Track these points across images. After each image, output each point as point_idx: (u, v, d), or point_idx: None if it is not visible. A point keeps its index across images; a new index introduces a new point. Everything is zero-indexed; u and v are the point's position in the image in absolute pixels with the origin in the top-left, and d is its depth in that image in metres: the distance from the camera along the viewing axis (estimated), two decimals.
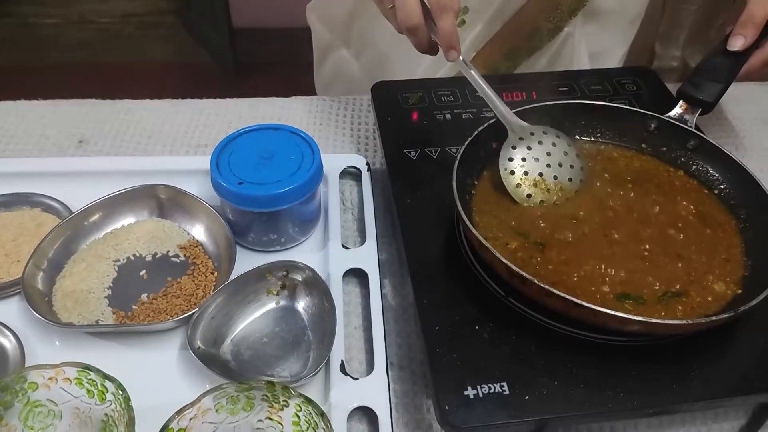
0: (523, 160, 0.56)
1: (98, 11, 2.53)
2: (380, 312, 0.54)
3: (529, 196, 0.55)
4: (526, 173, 0.56)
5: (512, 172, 0.56)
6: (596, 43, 0.83)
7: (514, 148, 0.56)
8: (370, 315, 0.54)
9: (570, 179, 0.56)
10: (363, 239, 0.62)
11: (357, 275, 0.59)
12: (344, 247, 0.60)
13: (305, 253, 0.60)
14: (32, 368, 0.45)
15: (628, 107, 0.62)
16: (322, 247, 0.61)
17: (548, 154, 0.56)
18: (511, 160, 0.56)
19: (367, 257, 0.58)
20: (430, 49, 0.59)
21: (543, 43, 0.79)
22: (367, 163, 0.68)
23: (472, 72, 0.58)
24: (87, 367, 0.45)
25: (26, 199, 0.62)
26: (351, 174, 0.69)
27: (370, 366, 0.51)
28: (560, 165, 0.56)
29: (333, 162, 0.67)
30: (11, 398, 0.45)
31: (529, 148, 0.56)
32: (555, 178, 0.56)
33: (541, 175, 0.56)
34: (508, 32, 0.78)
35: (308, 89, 1.00)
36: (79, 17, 2.52)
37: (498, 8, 0.76)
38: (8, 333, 0.51)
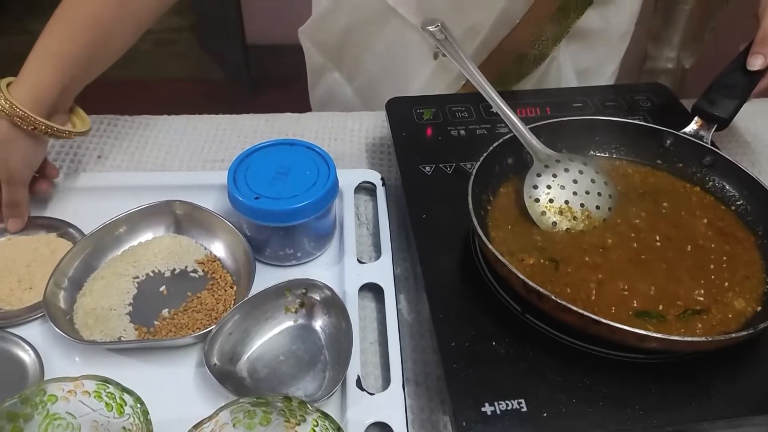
0: (548, 187, 0.56)
1: None
2: (396, 327, 0.54)
3: (554, 223, 0.55)
4: (551, 201, 0.56)
5: (537, 200, 0.56)
6: (583, 61, 0.83)
7: (539, 175, 0.56)
8: (385, 330, 0.54)
9: (597, 207, 0.55)
10: (378, 254, 0.62)
11: (372, 290, 0.59)
12: (360, 261, 0.60)
13: (321, 267, 0.61)
14: (52, 381, 0.45)
15: (643, 123, 0.63)
16: (338, 262, 0.61)
17: (575, 181, 0.56)
18: (535, 187, 0.56)
19: (383, 272, 0.59)
20: None
21: (530, 70, 0.80)
22: (382, 178, 0.68)
23: (493, 95, 0.58)
24: (106, 381, 0.45)
25: (42, 223, 0.63)
26: (366, 189, 0.69)
27: (386, 381, 0.51)
28: (587, 193, 0.56)
29: (348, 177, 0.67)
30: (31, 410, 0.45)
31: (554, 176, 0.56)
32: (582, 205, 0.55)
33: (567, 202, 0.55)
34: (495, 61, 0.79)
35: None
36: None
37: (484, 39, 0.76)
38: (28, 348, 0.51)
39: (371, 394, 0.50)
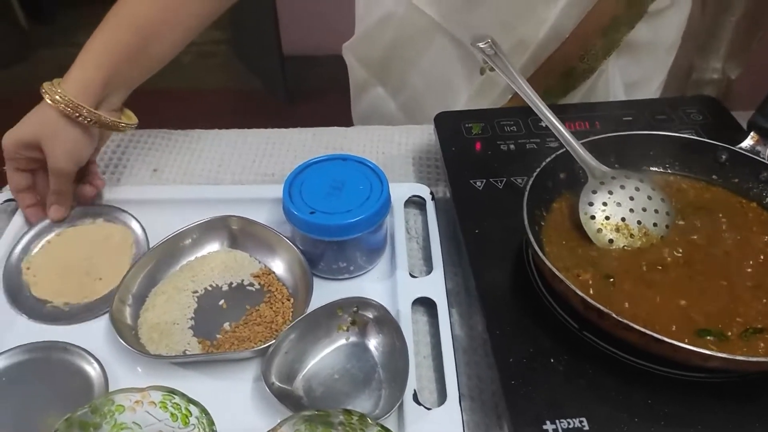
0: (604, 204, 0.56)
1: None
2: (450, 342, 0.54)
3: (611, 241, 0.54)
4: (607, 218, 0.55)
5: (593, 217, 0.55)
6: (631, 74, 0.82)
7: (594, 192, 0.56)
8: (438, 344, 0.55)
9: (655, 224, 0.55)
10: (428, 268, 0.62)
11: (423, 304, 0.59)
12: (411, 275, 0.60)
13: (373, 281, 0.61)
14: (120, 391, 0.47)
15: (699, 138, 0.62)
16: (389, 276, 0.62)
17: (631, 198, 0.56)
18: (591, 204, 0.56)
19: (435, 286, 0.59)
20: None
21: (578, 84, 0.80)
22: (431, 192, 0.69)
23: (544, 110, 0.59)
24: (172, 391, 0.47)
25: (86, 212, 0.66)
26: (414, 203, 0.70)
27: (441, 396, 0.52)
28: (644, 210, 0.55)
29: (397, 191, 0.68)
30: (100, 420, 0.46)
31: (610, 193, 0.56)
32: (639, 223, 0.55)
33: (623, 219, 0.55)
34: (542, 75, 0.78)
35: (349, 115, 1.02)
36: None
37: (531, 54, 0.76)
38: (93, 361, 0.53)
39: (428, 408, 0.50)
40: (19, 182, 0.64)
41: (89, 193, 0.67)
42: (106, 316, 0.57)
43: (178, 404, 0.47)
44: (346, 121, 0.96)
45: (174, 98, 2.31)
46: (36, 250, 0.63)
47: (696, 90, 0.87)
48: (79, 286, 0.60)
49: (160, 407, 0.47)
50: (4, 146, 0.62)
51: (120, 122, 0.65)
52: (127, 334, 0.54)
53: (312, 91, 2.39)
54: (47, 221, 0.65)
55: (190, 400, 0.46)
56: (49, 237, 0.64)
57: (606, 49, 0.76)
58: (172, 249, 0.61)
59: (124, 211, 0.65)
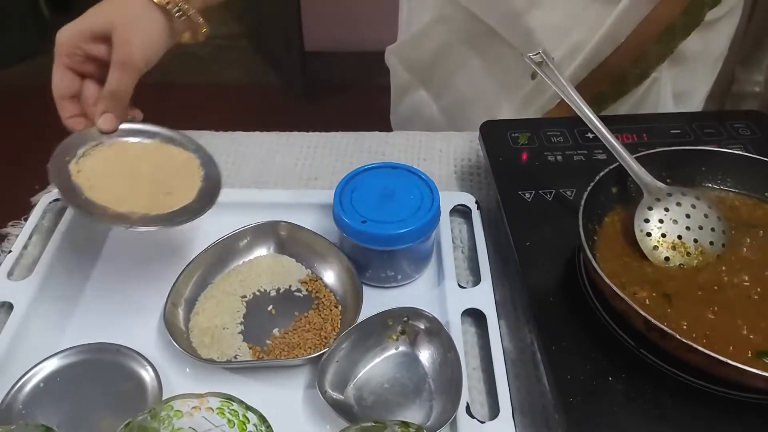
0: (660, 221, 0.55)
1: None
2: (501, 354, 0.54)
3: (667, 258, 0.54)
4: (663, 235, 0.55)
5: (648, 234, 0.55)
6: (681, 84, 0.82)
7: (650, 209, 0.56)
8: (487, 356, 0.55)
9: (711, 243, 0.55)
10: (475, 278, 0.62)
11: (471, 315, 0.59)
12: (460, 286, 0.60)
13: (420, 290, 0.61)
14: (178, 397, 0.47)
15: (750, 155, 0.61)
16: (437, 285, 0.62)
17: (687, 216, 0.55)
18: (647, 221, 0.55)
19: (484, 297, 0.59)
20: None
21: (629, 89, 0.79)
22: (477, 202, 0.69)
23: (597, 123, 0.58)
24: (230, 398, 0.47)
25: (135, 130, 0.60)
26: (459, 212, 0.69)
27: (493, 409, 0.52)
28: (700, 228, 0.55)
29: (443, 200, 0.67)
30: (158, 425, 0.47)
31: (666, 210, 0.56)
32: (695, 241, 0.54)
33: (680, 237, 0.55)
34: (594, 80, 0.78)
35: (379, 113, 1.02)
36: None
37: (585, 58, 0.76)
38: (146, 364, 0.53)
39: (481, 422, 0.50)
40: (68, 85, 0.57)
41: (138, 117, 0.62)
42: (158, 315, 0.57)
43: (235, 411, 0.47)
44: (364, 119, 0.95)
45: (188, 92, 2.32)
46: (84, 153, 0.57)
47: (736, 102, 0.87)
48: (147, 197, 0.55)
49: (218, 413, 0.47)
50: (61, 40, 0.55)
51: (202, 24, 0.61)
52: (180, 338, 0.54)
53: (333, 88, 2.39)
54: (92, 129, 0.59)
55: (249, 407, 0.46)
56: (97, 144, 0.58)
57: (660, 56, 0.75)
58: (222, 253, 0.61)
59: (183, 134, 0.60)
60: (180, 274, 0.58)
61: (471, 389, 0.54)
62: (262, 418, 0.46)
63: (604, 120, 0.58)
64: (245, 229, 0.62)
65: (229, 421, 0.47)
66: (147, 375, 0.53)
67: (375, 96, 1.14)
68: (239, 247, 0.62)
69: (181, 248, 0.60)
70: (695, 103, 0.84)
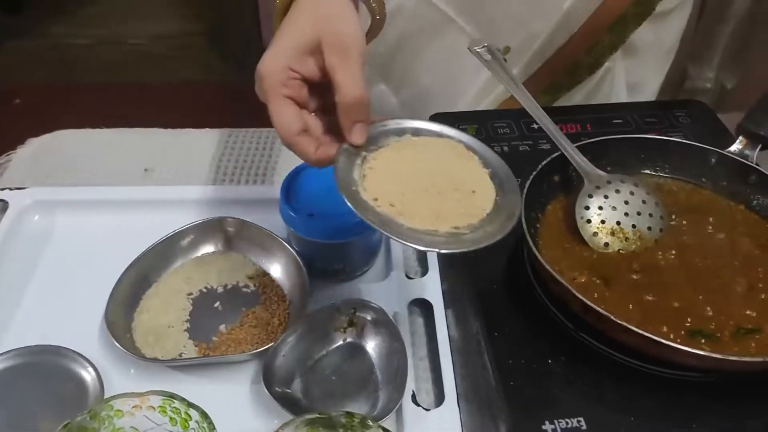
0: (600, 208, 0.56)
1: (129, 32, 2.58)
2: (447, 343, 0.55)
3: (606, 244, 0.55)
4: (602, 222, 0.56)
5: (588, 221, 0.56)
6: (634, 76, 0.84)
7: (590, 196, 0.57)
8: (434, 345, 0.55)
9: (649, 228, 0.56)
10: (423, 269, 0.63)
11: (419, 305, 0.60)
12: (408, 277, 0.61)
13: (369, 282, 0.62)
14: (119, 396, 0.46)
15: (688, 142, 0.63)
16: (385, 277, 0.62)
17: (626, 202, 0.57)
18: (587, 208, 0.56)
19: (431, 288, 0.59)
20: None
21: (582, 78, 0.81)
22: None
23: (540, 115, 0.59)
24: (171, 396, 0.46)
25: (379, 132, 0.50)
26: None
27: (439, 397, 0.52)
28: (639, 214, 0.56)
29: None
30: (98, 425, 0.46)
31: (605, 197, 0.57)
32: (633, 226, 0.56)
33: (618, 223, 0.56)
34: (548, 69, 0.79)
35: None
36: (111, 38, 2.57)
37: (540, 47, 0.77)
38: (87, 365, 0.52)
39: (426, 409, 0.51)
40: (296, 117, 0.47)
41: None
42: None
43: (177, 408, 0.46)
44: None
45: (143, 92, 2.28)
46: (359, 177, 0.47)
47: (689, 98, 0.89)
48: (458, 204, 0.46)
49: (159, 412, 0.47)
50: (270, 71, 0.46)
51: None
52: (122, 338, 0.54)
53: None
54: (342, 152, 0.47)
55: (190, 404, 0.46)
56: (361, 161, 0.48)
57: (612, 46, 0.77)
58: (167, 250, 0.60)
59: (427, 122, 0.51)
60: (123, 274, 0.57)
61: (418, 378, 0.55)
62: (204, 415, 0.46)
63: (552, 111, 0.59)
64: (190, 227, 0.61)
65: (171, 419, 0.47)
66: (88, 376, 0.52)
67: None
68: (185, 245, 0.61)
69: (124, 247, 0.59)
70: (648, 95, 0.86)
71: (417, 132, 0.51)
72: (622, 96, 0.84)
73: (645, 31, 0.78)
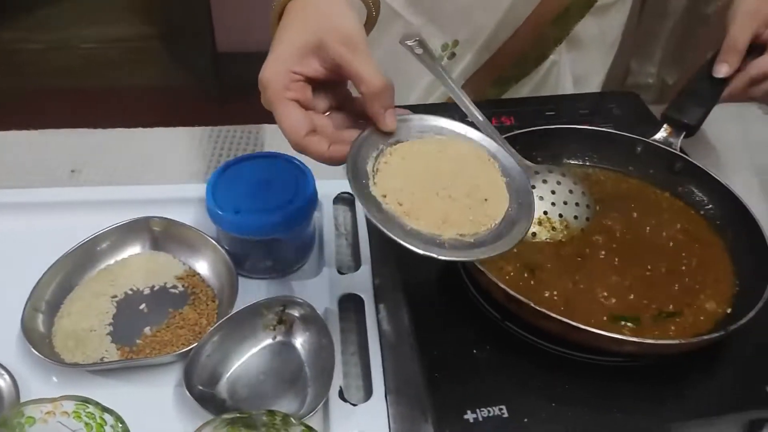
0: None
1: (81, 37, 2.53)
2: (377, 338, 0.54)
3: (534, 234, 0.55)
4: None
5: None
6: (579, 69, 0.85)
7: None
8: (366, 340, 0.55)
9: (576, 217, 0.56)
10: (356, 264, 0.62)
11: (353, 301, 0.59)
12: (340, 272, 0.60)
13: (301, 279, 0.61)
14: (30, 402, 0.45)
15: (614, 131, 0.64)
16: (318, 273, 0.61)
17: (553, 192, 0.57)
18: None
19: (363, 283, 0.59)
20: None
21: (529, 70, 0.82)
22: None
23: (470, 106, 0.59)
24: (86, 400, 0.45)
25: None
26: (344, 200, 0.69)
27: (368, 392, 0.52)
28: (565, 203, 0.57)
29: (327, 188, 0.67)
30: None
31: (533, 187, 0.57)
32: (560, 216, 0.56)
33: (545, 213, 0.56)
34: (496, 61, 0.80)
35: None
36: (61, 43, 2.51)
37: (487, 40, 0.78)
38: (3, 372, 0.50)
39: (354, 405, 0.50)
40: (303, 119, 0.46)
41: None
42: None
43: (92, 413, 0.45)
44: None
45: (96, 97, 2.23)
46: (372, 170, 0.46)
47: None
48: (468, 211, 0.44)
49: (74, 417, 0.45)
50: (271, 76, 0.45)
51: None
52: (41, 344, 0.52)
53: (246, 89, 2.35)
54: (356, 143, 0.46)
55: (105, 409, 0.45)
56: (376, 155, 0.47)
57: (557, 38, 0.78)
58: (88, 253, 0.58)
59: (448, 119, 0.50)
60: (41, 277, 0.55)
61: (348, 374, 0.54)
62: (119, 419, 0.44)
63: (488, 104, 0.59)
64: (113, 228, 0.59)
65: (87, 424, 0.45)
66: (3, 383, 0.50)
67: None
68: (108, 246, 0.59)
69: (43, 250, 0.57)
70: (593, 88, 0.87)
71: (440, 131, 0.50)
72: (568, 88, 0.85)
73: (588, 24, 0.80)
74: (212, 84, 2.29)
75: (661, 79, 1.08)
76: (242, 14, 2.35)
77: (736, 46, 0.63)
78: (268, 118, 0.81)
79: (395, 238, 0.41)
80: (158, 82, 2.42)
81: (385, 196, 0.45)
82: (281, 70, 0.46)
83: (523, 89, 0.83)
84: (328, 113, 0.49)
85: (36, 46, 2.52)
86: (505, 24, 0.77)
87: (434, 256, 0.41)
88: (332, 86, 0.48)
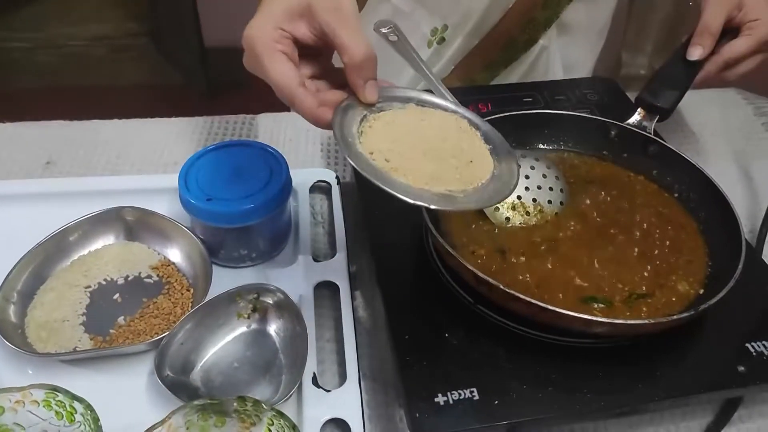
0: None
1: (68, 35, 2.51)
2: (351, 324, 0.54)
3: (507, 219, 0.55)
4: None
5: None
6: (568, 56, 0.85)
7: None
8: (341, 327, 0.55)
9: (549, 201, 0.56)
10: (332, 252, 0.62)
11: (328, 287, 0.59)
12: (315, 260, 0.60)
13: (276, 267, 0.61)
14: None
15: (588, 115, 0.64)
16: (294, 261, 0.61)
17: (527, 177, 0.57)
18: None
19: (338, 270, 0.59)
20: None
21: (519, 54, 0.82)
22: (337, 177, 0.68)
23: (446, 95, 0.59)
24: (55, 389, 0.45)
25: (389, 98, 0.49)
26: (321, 188, 0.69)
27: (343, 378, 0.51)
28: (539, 188, 0.57)
29: (303, 176, 0.67)
30: None
31: None
32: (534, 201, 0.56)
33: (519, 198, 0.56)
34: (485, 46, 0.80)
35: (280, 106, 1.00)
36: (48, 41, 2.50)
37: (476, 24, 0.78)
38: None
39: (327, 390, 0.50)
40: (292, 71, 0.44)
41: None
42: None
43: (62, 402, 0.45)
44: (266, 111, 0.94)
45: (84, 95, 2.21)
46: (358, 132, 0.46)
47: (625, 86, 0.91)
48: (455, 170, 0.45)
49: (44, 406, 0.45)
50: (257, 35, 0.44)
51: None
52: (13, 334, 0.52)
53: (234, 84, 2.34)
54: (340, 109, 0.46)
55: (74, 397, 0.44)
56: (361, 119, 0.47)
57: (546, 22, 0.78)
58: (60, 244, 0.58)
59: (430, 93, 0.51)
60: (12, 268, 0.55)
61: (323, 360, 0.54)
62: (89, 407, 0.44)
63: (465, 92, 0.59)
64: (85, 219, 0.59)
65: (57, 413, 0.45)
66: None
67: None
68: (80, 237, 0.59)
69: (17, 241, 0.56)
70: (583, 75, 0.87)
71: (422, 102, 0.50)
72: (558, 75, 0.85)
73: (578, 9, 0.80)
74: (201, 80, 2.28)
75: (653, 69, 1.09)
76: (229, 9, 2.34)
77: (709, 29, 0.63)
78: (255, 110, 0.81)
79: (386, 188, 0.41)
80: (146, 78, 2.41)
81: (372, 153, 0.44)
82: (269, 27, 0.45)
83: (513, 76, 0.83)
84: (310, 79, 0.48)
85: (22, 44, 2.51)
86: (494, 7, 0.77)
87: (425, 204, 0.41)
88: (316, 56, 0.48)
